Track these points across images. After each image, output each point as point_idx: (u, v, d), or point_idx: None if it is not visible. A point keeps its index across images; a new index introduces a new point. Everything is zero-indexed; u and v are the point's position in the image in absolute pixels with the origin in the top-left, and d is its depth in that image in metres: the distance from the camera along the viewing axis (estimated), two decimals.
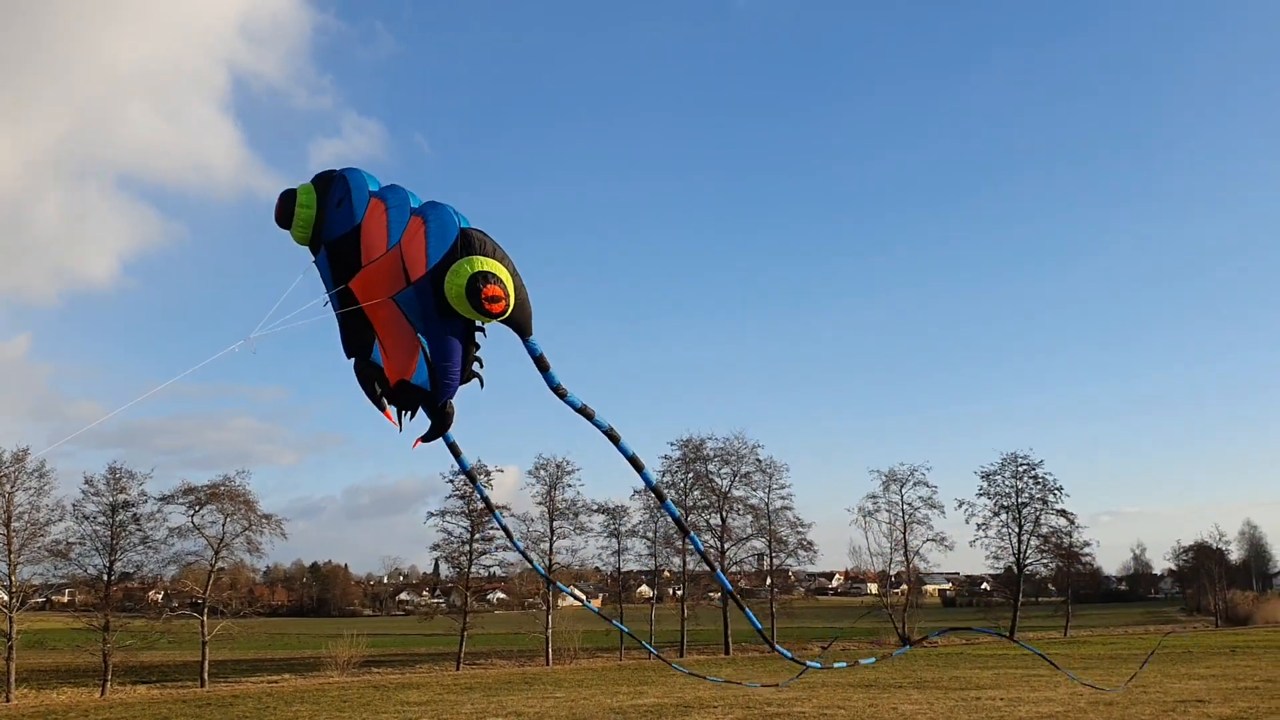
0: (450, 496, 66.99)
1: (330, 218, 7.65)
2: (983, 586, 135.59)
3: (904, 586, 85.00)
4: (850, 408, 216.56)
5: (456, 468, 8.82)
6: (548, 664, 64.08)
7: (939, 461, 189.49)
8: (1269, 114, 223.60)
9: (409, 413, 7.81)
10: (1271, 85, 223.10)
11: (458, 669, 61.42)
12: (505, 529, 11.36)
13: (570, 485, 69.44)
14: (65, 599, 71.06)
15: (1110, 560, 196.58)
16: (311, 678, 55.68)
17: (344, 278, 7.51)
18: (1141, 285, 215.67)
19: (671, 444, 73.95)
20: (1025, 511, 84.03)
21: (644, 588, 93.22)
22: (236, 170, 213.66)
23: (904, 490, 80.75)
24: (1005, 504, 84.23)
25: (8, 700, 47.51)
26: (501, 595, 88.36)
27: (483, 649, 75.23)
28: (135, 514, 56.20)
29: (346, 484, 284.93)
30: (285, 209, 7.74)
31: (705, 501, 73.00)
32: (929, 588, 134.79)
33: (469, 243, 7.00)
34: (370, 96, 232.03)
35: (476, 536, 66.98)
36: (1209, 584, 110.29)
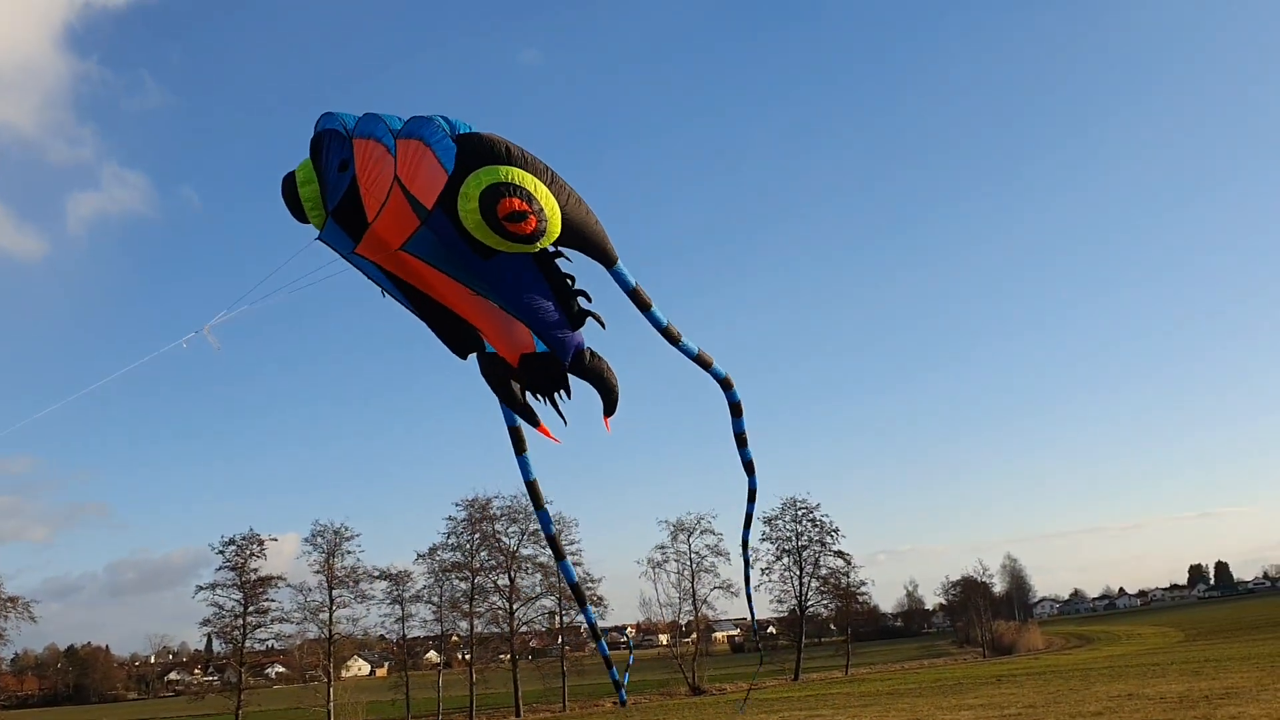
0: (221, 568, 63.37)
1: (333, 184, 6.20)
2: (769, 630, 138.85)
3: (694, 635, 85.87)
4: (637, 457, 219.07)
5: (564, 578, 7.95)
6: None
7: (724, 507, 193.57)
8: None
9: (563, 393, 6.32)
10: None
11: None
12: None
13: (350, 552, 66.90)
14: None
15: (886, 598, 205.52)
16: None
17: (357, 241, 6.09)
18: (901, 331, 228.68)
19: (457, 504, 72.36)
20: (805, 554, 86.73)
21: (431, 654, 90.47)
22: None
23: (691, 539, 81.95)
24: (787, 547, 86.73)
25: None
26: (281, 668, 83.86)
27: None
28: None
29: (109, 559, 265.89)
30: (291, 199, 6.22)
31: (493, 562, 71.73)
32: (718, 635, 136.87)
33: (475, 149, 5.47)
34: (135, 148, 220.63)
35: (250, 609, 63.42)
36: (976, 616, 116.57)
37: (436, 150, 5.52)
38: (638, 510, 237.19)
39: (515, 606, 71.37)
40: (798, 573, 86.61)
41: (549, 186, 5.42)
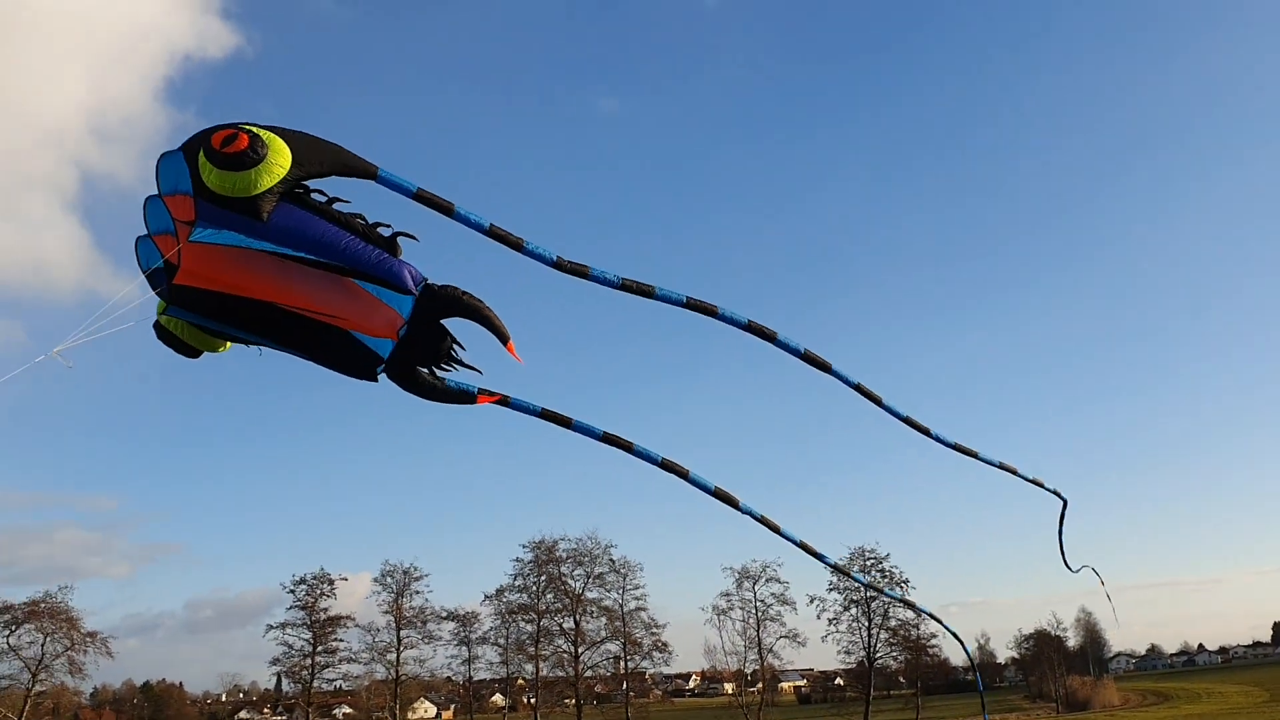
0: (292, 607, 64.53)
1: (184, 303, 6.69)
2: (836, 682, 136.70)
3: (759, 685, 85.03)
4: (702, 503, 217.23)
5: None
6: None
7: (790, 557, 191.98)
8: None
9: (457, 346, 6.16)
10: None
11: None
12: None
13: (419, 592, 67.71)
14: None
15: (956, 650, 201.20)
16: None
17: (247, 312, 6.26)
18: (975, 384, 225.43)
19: (523, 546, 72.97)
20: (874, 605, 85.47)
21: (497, 696, 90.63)
22: (82, 271, 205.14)
23: (757, 587, 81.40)
24: (855, 599, 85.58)
25: None
26: (348, 710, 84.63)
27: None
28: None
29: (187, 596, 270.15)
30: (176, 345, 6.69)
31: (558, 604, 71.95)
32: (784, 685, 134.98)
33: (191, 144, 5.96)
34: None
35: (319, 649, 64.34)
36: (1049, 670, 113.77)
37: (175, 181, 6.08)
38: (703, 556, 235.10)
39: (580, 650, 71.40)
40: (866, 624, 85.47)
41: (256, 127, 5.80)
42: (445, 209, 5.82)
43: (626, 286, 6.30)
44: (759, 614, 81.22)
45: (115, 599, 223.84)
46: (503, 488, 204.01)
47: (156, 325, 6.60)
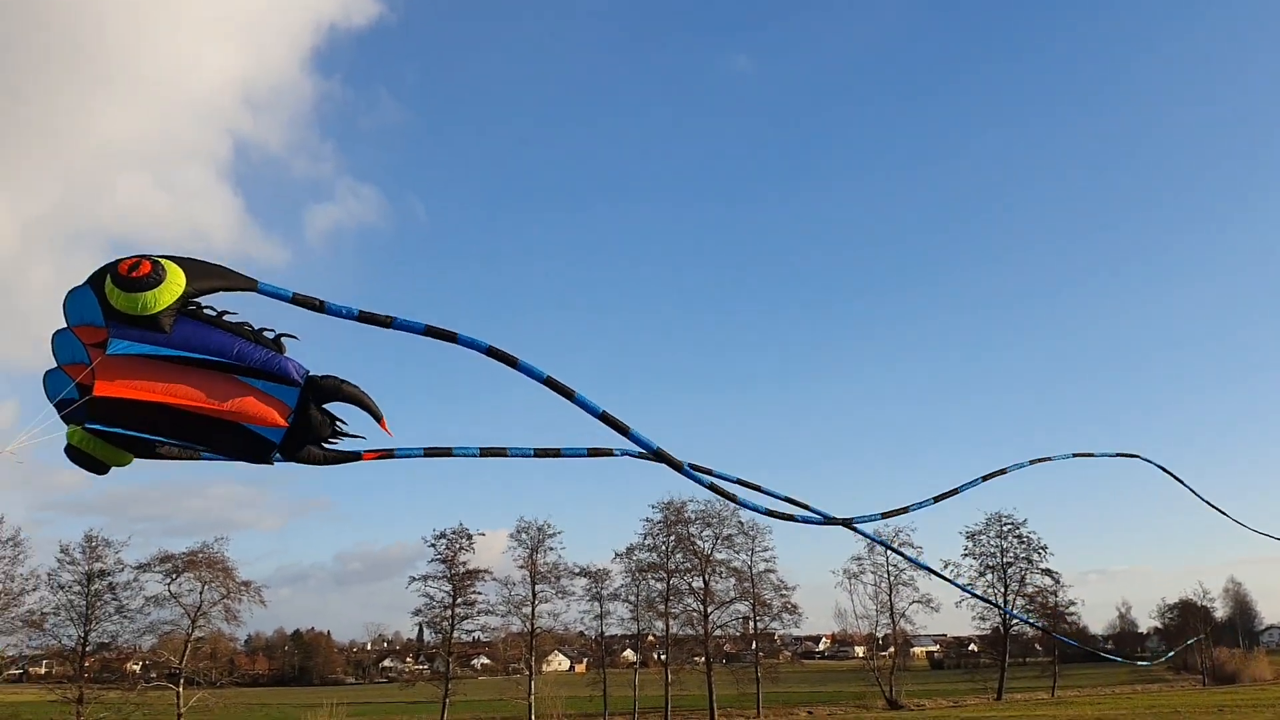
0: (433, 560, 66.85)
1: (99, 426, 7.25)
2: (970, 648, 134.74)
3: (891, 649, 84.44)
4: (832, 467, 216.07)
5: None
6: None
7: (924, 522, 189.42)
8: None
9: (339, 422, 6.98)
10: None
11: None
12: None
13: (552, 549, 69.20)
14: (41, 670, 70.04)
15: (1096, 619, 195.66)
16: None
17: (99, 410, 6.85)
18: (1136, 352, 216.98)
19: (653, 506, 73.89)
20: (1010, 571, 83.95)
21: (628, 652, 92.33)
22: (234, 237, 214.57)
23: (889, 552, 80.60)
24: (990, 564, 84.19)
25: None
26: (486, 660, 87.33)
27: (465, 716, 74.13)
28: (111, 583, 55.72)
29: (336, 549, 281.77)
30: (90, 464, 7.25)
31: (688, 564, 72.70)
32: (916, 650, 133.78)
33: (96, 277, 6.72)
34: (369, 163, 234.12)
35: (458, 601, 66.54)
36: (1195, 642, 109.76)
37: (83, 313, 6.71)
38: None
39: (709, 610, 72.08)
40: (1002, 590, 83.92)
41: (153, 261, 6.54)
42: (317, 307, 6.55)
43: (431, 331, 6.89)
44: (891, 578, 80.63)
45: (268, 551, 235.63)
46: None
47: (68, 448, 7.17)
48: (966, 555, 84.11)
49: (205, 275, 6.62)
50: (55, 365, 7.40)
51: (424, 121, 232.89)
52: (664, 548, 72.44)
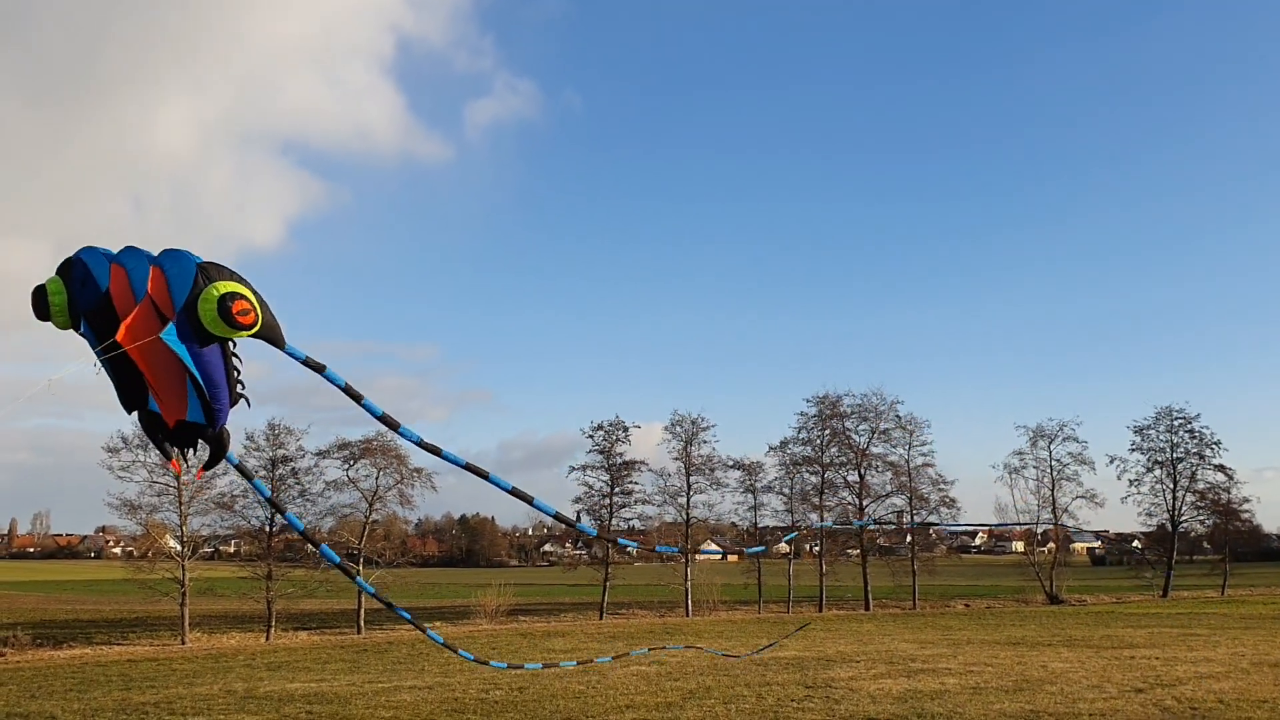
0: (590, 451, 68.42)
1: (78, 295, 8.04)
2: (1134, 544, 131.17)
3: (1051, 544, 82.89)
4: (996, 365, 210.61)
5: (259, 493, 9.06)
6: (687, 615, 64.91)
7: (1090, 416, 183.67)
8: None
9: (192, 449, 7.98)
10: None
11: (600, 618, 62.72)
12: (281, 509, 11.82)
13: (705, 441, 69.81)
14: (231, 549, 75.12)
15: (1272, 518, 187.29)
16: (462, 625, 57.67)
17: (107, 335, 7.97)
18: None
19: (807, 400, 73.63)
20: (1180, 467, 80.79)
21: (782, 544, 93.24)
22: (398, 134, 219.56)
23: (1052, 446, 78.59)
24: (1159, 459, 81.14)
25: (183, 643, 50.68)
26: (641, 548, 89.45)
27: (624, 599, 76.58)
28: (294, 468, 58.88)
29: (500, 439, 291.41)
30: (39, 305, 8.17)
31: (843, 458, 72.47)
32: (1077, 546, 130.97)
33: (208, 273, 7.21)
34: (527, 57, 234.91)
35: (616, 490, 68.16)
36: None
37: (170, 271, 7.19)
38: (994, 415, 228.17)
39: (865, 503, 71.95)
40: (1171, 485, 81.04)
41: (257, 296, 7.16)
42: (318, 369, 7.31)
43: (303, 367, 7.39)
44: (1054, 473, 78.73)
45: (436, 440, 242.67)
46: (782, 343, 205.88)
47: (39, 288, 7.81)
48: (1134, 450, 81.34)
49: (267, 329, 7.26)
50: (103, 260, 8.21)
51: (580, 11, 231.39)
52: (819, 441, 72.36)
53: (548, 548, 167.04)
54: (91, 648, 49.25)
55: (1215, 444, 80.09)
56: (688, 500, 68.82)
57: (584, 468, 68.37)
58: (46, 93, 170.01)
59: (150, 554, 56.24)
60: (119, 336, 7.93)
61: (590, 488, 68.40)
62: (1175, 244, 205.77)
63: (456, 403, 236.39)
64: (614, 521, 68.56)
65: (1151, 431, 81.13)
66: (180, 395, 7.72)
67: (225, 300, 7.08)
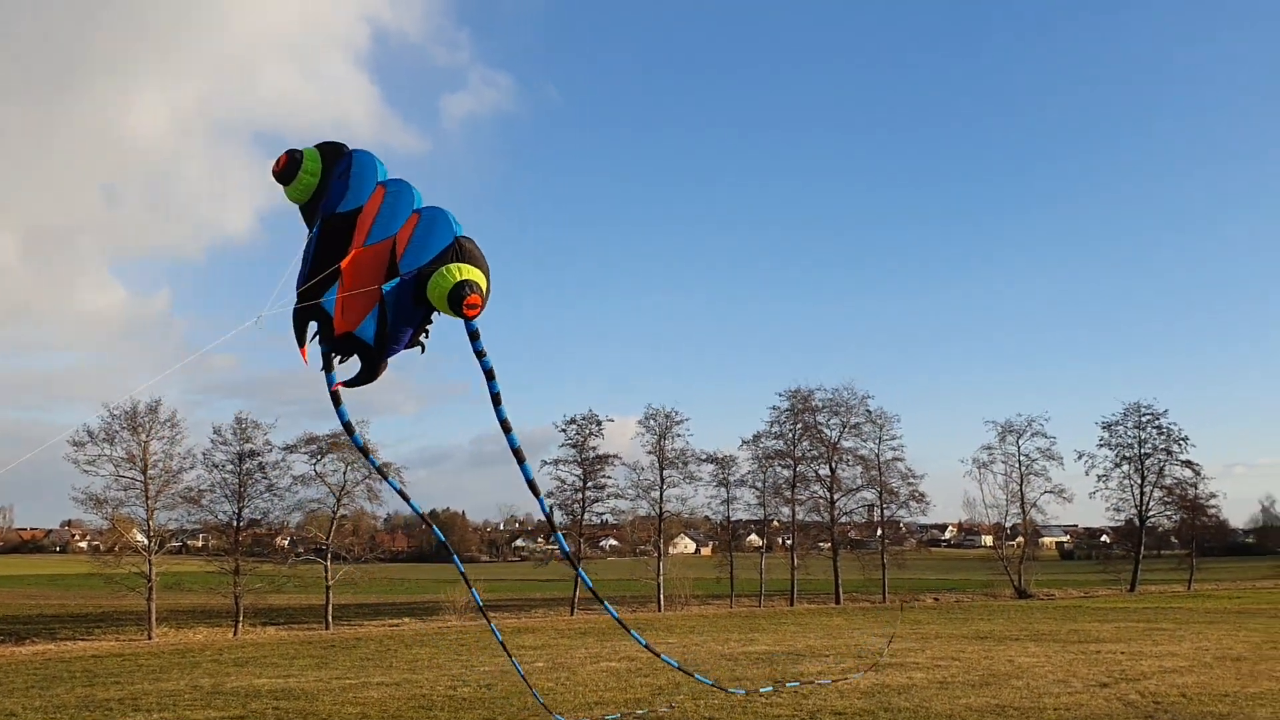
0: (563, 445, 68.31)
1: (332, 188, 7.99)
2: (1102, 539, 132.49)
3: (1019, 539, 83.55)
4: (965, 360, 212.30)
5: (339, 423, 8.96)
6: (660, 610, 64.96)
7: (1058, 412, 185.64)
8: None
9: (340, 357, 8.15)
10: None
11: (572, 614, 62.66)
12: (391, 483, 11.86)
13: (679, 435, 69.92)
14: (199, 543, 74.57)
15: (1238, 513, 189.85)
16: (431, 621, 57.52)
17: (331, 256, 7.92)
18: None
19: (780, 394, 73.92)
20: (1148, 463, 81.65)
21: (753, 537, 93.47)
22: (374, 126, 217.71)
23: (1021, 441, 79.27)
24: (1127, 455, 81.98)
25: (149, 638, 50.26)
26: (614, 542, 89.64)
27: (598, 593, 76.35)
28: (261, 463, 58.47)
29: (474, 433, 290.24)
30: (290, 168, 8.14)
31: (814, 452, 72.75)
32: (1046, 540, 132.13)
33: (461, 250, 7.58)
34: (504, 50, 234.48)
35: (589, 484, 68.07)
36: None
37: (429, 228, 7.66)
38: (963, 409, 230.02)
39: (836, 497, 72.26)
40: (1139, 481, 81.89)
41: (488, 289, 7.66)
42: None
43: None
44: (1022, 468, 79.40)
45: (409, 434, 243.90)
46: (755, 338, 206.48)
47: (291, 153, 7.88)
48: (1102, 446, 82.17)
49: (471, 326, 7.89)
50: (365, 160, 8.17)
51: (559, 5, 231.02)
52: (791, 435, 72.58)
53: (519, 543, 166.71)
54: (55, 643, 48.73)
55: (1183, 440, 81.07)
56: (660, 494, 68.88)
57: (556, 462, 68.35)
58: (19, 82, 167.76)
59: (116, 548, 55.75)
60: (343, 264, 7.91)
61: (563, 482, 68.39)
62: (1148, 237, 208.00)
63: (431, 396, 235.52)
64: (586, 516, 68.52)
65: (1120, 427, 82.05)
66: (361, 313, 7.92)
67: (462, 287, 7.47)
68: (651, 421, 69.32)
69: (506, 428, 8.39)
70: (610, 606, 10.53)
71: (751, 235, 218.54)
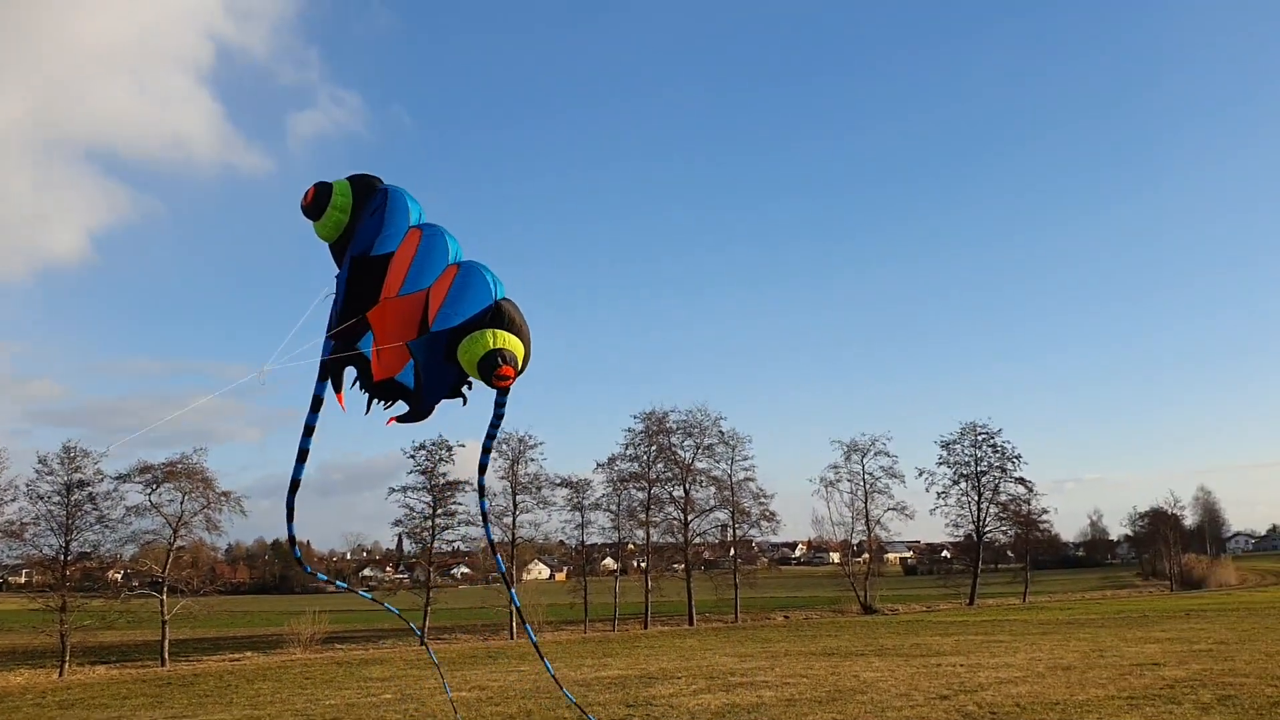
0: (412, 472, 66.87)
1: (363, 227, 7.59)
2: (943, 554, 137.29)
3: (865, 555, 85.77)
4: (812, 379, 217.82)
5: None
6: (511, 638, 64.09)
7: (900, 431, 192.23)
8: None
9: (384, 403, 7.78)
10: None
11: (421, 644, 61.23)
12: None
13: (533, 460, 69.41)
14: (21, 580, 70.11)
15: (1068, 527, 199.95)
16: (274, 655, 55.39)
17: (360, 303, 7.48)
18: (1103, 260, 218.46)
19: (635, 416, 74.22)
20: (984, 480, 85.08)
21: (608, 560, 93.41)
22: (216, 145, 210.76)
23: (865, 460, 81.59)
24: (964, 473, 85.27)
25: None
26: (466, 569, 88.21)
27: (447, 624, 75.18)
28: (91, 493, 55.38)
29: (321, 460, 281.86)
30: (318, 203, 7.68)
31: (669, 474, 73.17)
32: (890, 556, 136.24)
33: (499, 315, 7.11)
34: (354, 69, 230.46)
35: (439, 511, 66.78)
36: (1164, 548, 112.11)
37: (466, 286, 7.18)
38: (812, 429, 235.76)
39: (690, 518, 72.81)
40: (976, 498, 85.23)
41: (527, 358, 7.17)
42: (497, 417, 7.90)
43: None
44: (867, 486, 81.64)
45: (250, 462, 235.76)
46: (612, 364, 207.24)
47: (320, 186, 7.46)
48: (941, 464, 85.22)
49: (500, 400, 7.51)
50: (399, 200, 7.65)
51: (410, 26, 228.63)
52: (645, 457, 72.86)
53: (367, 572, 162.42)
54: None
55: (1016, 458, 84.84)
56: (514, 520, 68.14)
57: (405, 489, 66.81)
58: None
59: None
60: (371, 315, 7.24)
61: (411, 510, 66.89)
62: (986, 249, 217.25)
63: (273, 423, 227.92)
64: (436, 544, 67.20)
65: (957, 446, 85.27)
66: (400, 362, 7.55)
67: (494, 356, 6.96)
68: (504, 446, 68.63)
69: (482, 468, 8.38)
70: (530, 631, 10.28)
71: (597, 261, 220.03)
